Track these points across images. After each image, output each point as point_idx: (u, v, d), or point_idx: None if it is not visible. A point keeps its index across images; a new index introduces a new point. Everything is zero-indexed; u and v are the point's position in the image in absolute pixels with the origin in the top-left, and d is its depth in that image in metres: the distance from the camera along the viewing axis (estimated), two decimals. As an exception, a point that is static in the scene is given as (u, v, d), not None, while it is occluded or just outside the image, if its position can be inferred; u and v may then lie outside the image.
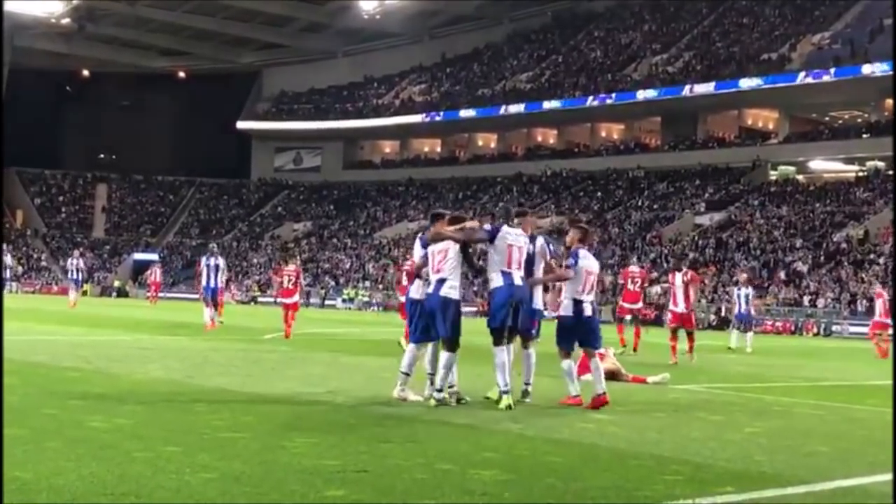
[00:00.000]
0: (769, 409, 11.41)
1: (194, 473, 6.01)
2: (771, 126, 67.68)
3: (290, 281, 22.97)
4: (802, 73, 58.50)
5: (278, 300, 24.82)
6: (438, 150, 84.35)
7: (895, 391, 9.48)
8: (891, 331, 25.20)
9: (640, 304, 21.98)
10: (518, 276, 10.13)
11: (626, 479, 6.46)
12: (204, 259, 24.66)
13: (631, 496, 5.93)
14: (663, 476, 6.60)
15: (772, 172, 63.85)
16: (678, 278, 19.32)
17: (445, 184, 77.29)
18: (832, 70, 57.01)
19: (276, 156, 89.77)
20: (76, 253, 39.63)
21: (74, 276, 36.98)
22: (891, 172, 55.21)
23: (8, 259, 37.51)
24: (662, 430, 8.93)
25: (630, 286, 21.81)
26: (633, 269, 22.40)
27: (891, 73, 52.44)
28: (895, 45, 51.43)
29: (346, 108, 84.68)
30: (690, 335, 19.06)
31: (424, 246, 10.52)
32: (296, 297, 23.20)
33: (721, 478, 6.65)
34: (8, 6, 75.72)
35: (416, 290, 10.57)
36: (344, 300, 62.82)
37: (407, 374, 10.33)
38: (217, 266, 24.11)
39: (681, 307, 19.11)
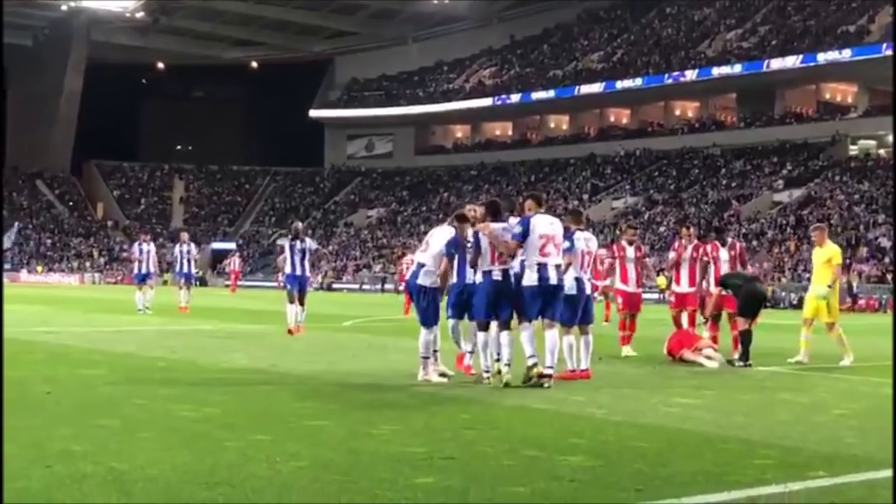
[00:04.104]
0: (857, 390, 11.22)
1: (285, 462, 6.09)
2: (850, 100, 66.25)
3: (409, 269, 24.70)
4: (884, 45, 57.08)
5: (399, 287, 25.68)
6: (510, 133, 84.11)
7: (895, 388, 9.26)
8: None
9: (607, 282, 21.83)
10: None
11: (714, 463, 6.39)
12: (287, 241, 18.84)
13: (720, 481, 5.86)
14: (752, 460, 6.52)
15: (851, 147, 62.52)
16: (723, 253, 14.64)
17: (517, 167, 77.09)
18: (914, 41, 55.58)
19: (349, 143, 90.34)
20: (185, 237, 28.56)
21: (184, 269, 26.80)
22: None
23: (151, 248, 26.67)
24: (749, 414, 8.82)
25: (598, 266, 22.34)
26: (601, 250, 23.78)
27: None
28: (895, 45, 50.54)
29: (417, 93, 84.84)
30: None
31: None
32: None
33: (811, 461, 6.55)
34: (85, 2, 77.22)
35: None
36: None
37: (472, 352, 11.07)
38: (304, 250, 18.36)
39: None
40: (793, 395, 10.40)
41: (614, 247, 15.65)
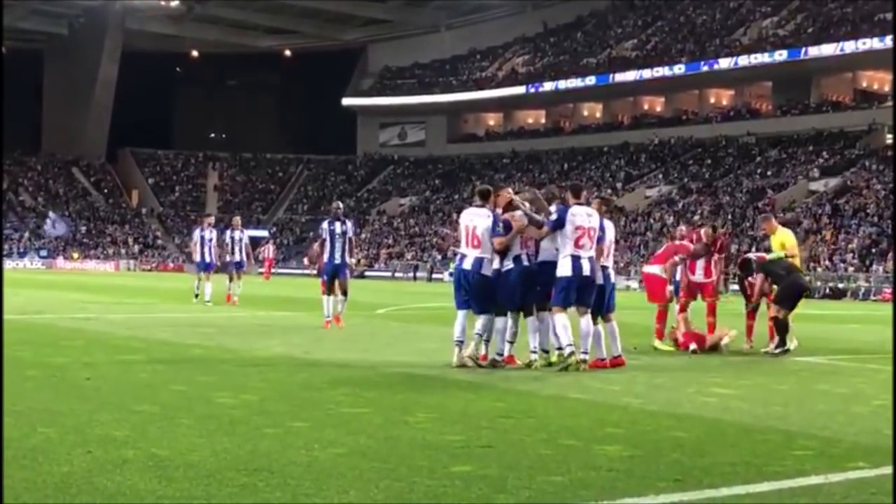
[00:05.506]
0: (896, 381, 11.10)
1: (323, 449, 6.11)
2: (887, 88, 65.51)
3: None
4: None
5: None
6: (543, 121, 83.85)
7: (895, 384, 9.15)
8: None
9: None
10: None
11: (753, 454, 6.35)
12: (325, 225, 16.96)
13: (760, 472, 5.83)
14: (792, 451, 6.47)
15: (888, 136, 61.84)
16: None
17: (550, 155, 76.86)
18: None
19: (381, 131, 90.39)
20: (236, 221, 25.24)
21: (237, 259, 23.85)
22: None
23: (214, 235, 24.49)
24: (787, 404, 8.76)
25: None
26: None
27: None
28: (895, 42, 49.77)
29: (450, 81, 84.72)
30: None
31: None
32: None
33: (851, 452, 6.50)
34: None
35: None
36: (450, 274, 62.81)
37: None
38: (344, 234, 16.79)
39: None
40: (830, 385, 10.32)
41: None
